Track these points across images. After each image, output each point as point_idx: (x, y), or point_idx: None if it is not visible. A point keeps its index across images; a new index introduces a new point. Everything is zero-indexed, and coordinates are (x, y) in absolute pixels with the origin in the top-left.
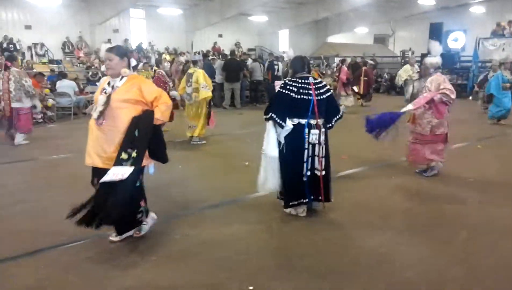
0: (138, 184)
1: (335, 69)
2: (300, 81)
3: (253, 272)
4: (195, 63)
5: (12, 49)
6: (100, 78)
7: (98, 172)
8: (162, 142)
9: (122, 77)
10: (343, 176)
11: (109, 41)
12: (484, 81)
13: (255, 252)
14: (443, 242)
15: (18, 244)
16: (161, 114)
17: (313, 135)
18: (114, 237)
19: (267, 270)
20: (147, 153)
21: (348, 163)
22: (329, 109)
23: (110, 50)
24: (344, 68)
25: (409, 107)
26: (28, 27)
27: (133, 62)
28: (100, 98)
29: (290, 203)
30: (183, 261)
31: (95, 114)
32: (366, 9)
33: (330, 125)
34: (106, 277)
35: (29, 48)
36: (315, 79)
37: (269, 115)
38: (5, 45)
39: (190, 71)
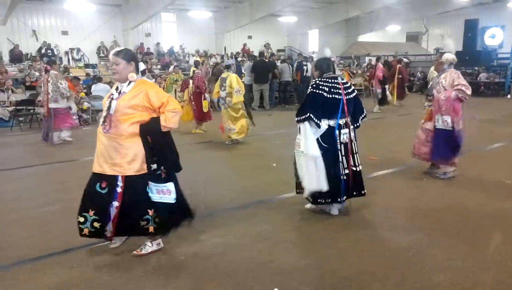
0: (148, 191)
1: (365, 69)
2: (330, 81)
3: (278, 273)
4: (228, 67)
5: (50, 54)
6: None
7: (105, 178)
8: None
9: (130, 82)
10: (373, 178)
11: (141, 45)
12: None
13: (280, 252)
14: (475, 245)
15: (52, 243)
16: (165, 121)
17: (344, 135)
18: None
19: (292, 271)
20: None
21: (377, 164)
22: (355, 109)
23: (117, 53)
24: (380, 65)
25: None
26: (64, 32)
27: (142, 66)
28: (106, 104)
29: (319, 200)
30: (210, 261)
31: (100, 121)
32: (398, 7)
33: (357, 124)
34: (137, 276)
35: (66, 53)
36: (342, 79)
37: (307, 115)
38: (43, 50)
39: (223, 75)
